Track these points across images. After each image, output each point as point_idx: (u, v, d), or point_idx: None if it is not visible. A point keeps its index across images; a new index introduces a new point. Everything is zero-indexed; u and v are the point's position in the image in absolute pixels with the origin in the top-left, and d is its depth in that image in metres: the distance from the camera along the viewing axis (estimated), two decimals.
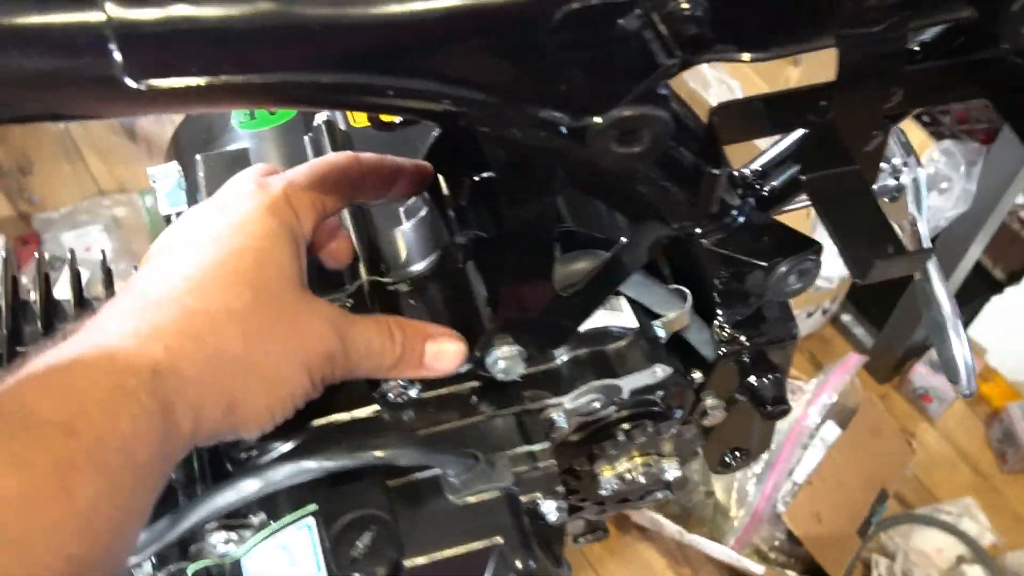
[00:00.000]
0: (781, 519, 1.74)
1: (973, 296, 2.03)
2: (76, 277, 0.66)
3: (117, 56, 0.38)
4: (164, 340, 0.44)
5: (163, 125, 2.61)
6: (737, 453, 0.78)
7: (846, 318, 2.18)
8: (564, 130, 0.45)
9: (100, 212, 2.41)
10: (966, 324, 2.08)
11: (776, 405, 0.68)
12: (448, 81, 0.43)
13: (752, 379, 0.67)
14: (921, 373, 2.08)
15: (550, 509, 0.54)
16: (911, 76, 0.49)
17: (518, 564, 0.51)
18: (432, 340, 0.54)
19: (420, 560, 0.51)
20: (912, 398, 2.11)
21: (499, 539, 0.52)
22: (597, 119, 0.43)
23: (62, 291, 0.67)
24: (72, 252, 0.70)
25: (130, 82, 0.39)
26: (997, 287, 2.09)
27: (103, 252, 0.73)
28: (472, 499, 0.53)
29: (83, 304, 0.65)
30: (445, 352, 0.54)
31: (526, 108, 0.45)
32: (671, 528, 1.73)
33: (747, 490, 1.75)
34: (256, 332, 0.48)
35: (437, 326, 0.55)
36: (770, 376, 0.67)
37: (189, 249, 0.50)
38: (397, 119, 0.59)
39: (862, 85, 0.47)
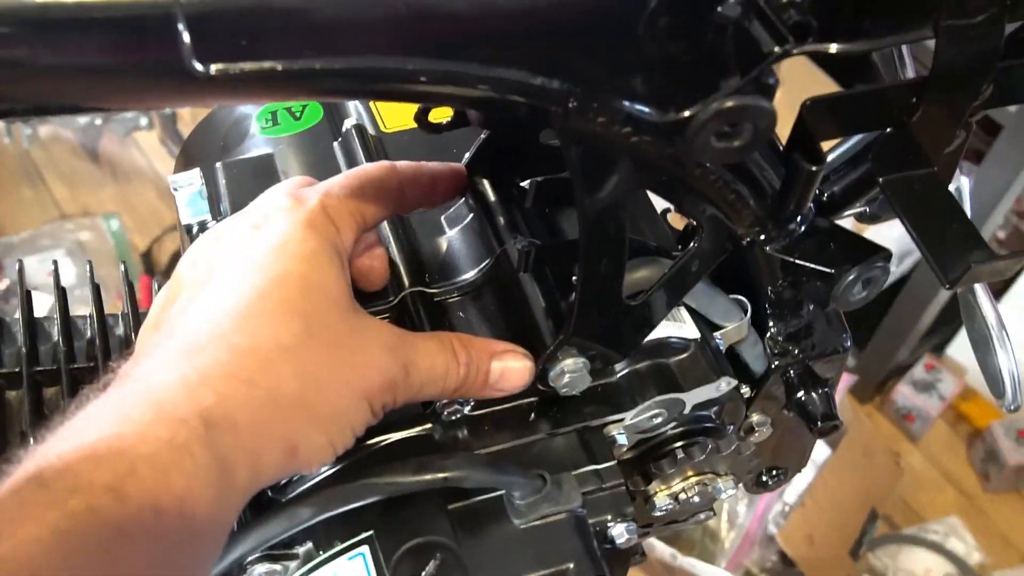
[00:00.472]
0: (772, 540, 1.72)
1: (954, 315, 2.03)
2: (27, 298, 0.62)
3: (186, 38, 0.35)
4: (214, 386, 0.41)
5: (127, 148, 2.55)
6: (774, 472, 0.75)
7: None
8: (651, 126, 0.42)
9: (63, 236, 2.35)
10: (945, 343, 2.10)
11: (826, 421, 0.65)
12: (532, 69, 0.40)
13: (801, 394, 0.65)
14: (904, 393, 2.08)
15: (619, 532, 0.51)
16: (1001, 71, 0.47)
17: None
18: (498, 358, 0.50)
19: None
20: (895, 418, 2.11)
21: (570, 565, 0.48)
22: (696, 111, 0.40)
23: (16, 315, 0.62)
24: (21, 267, 0.65)
25: (198, 67, 0.36)
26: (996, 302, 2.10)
27: (55, 264, 0.67)
28: (538, 522, 0.49)
29: (33, 325, 0.61)
30: (513, 370, 0.50)
31: (611, 101, 0.42)
32: (663, 551, 1.70)
33: (738, 511, 1.72)
34: (311, 367, 0.44)
35: (502, 343, 0.51)
36: (820, 391, 0.65)
37: (229, 278, 0.45)
38: (444, 120, 0.56)
39: (956, 80, 0.45)
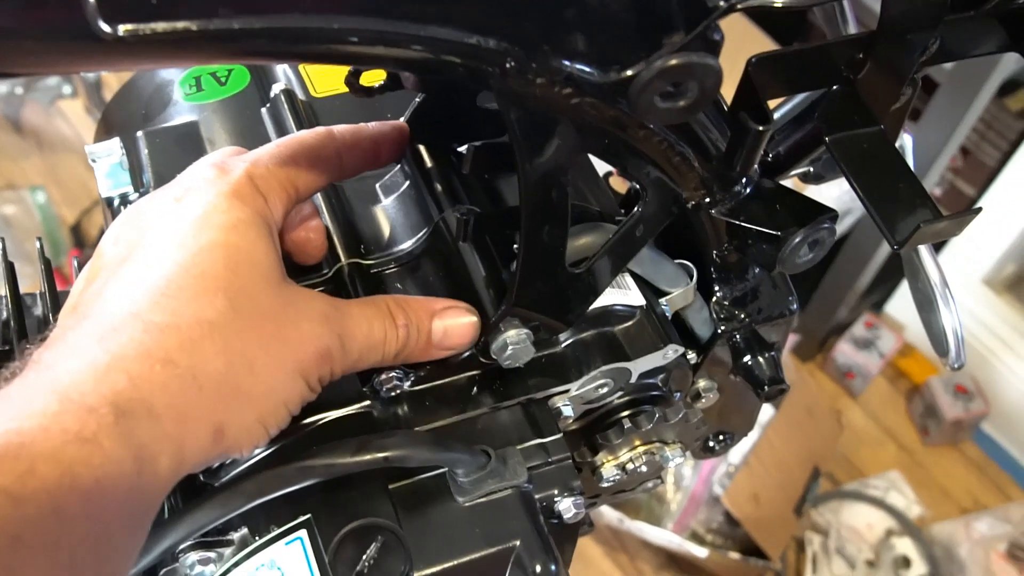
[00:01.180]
0: (718, 502, 1.73)
1: (892, 272, 2.06)
2: (11, 270, 0.58)
3: None
4: (127, 368, 0.38)
5: (52, 118, 2.47)
6: (721, 437, 0.75)
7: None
8: (594, 87, 0.41)
9: None
10: (884, 301, 2.12)
11: (773, 385, 0.64)
12: (467, 28, 0.38)
13: (748, 359, 0.64)
14: (844, 351, 2.10)
15: (567, 507, 0.50)
16: (947, 26, 0.46)
17: (538, 568, 0.47)
18: (440, 316, 0.48)
19: (431, 570, 0.45)
20: (835, 376, 2.13)
21: (516, 542, 0.47)
22: (639, 70, 0.38)
23: None
24: (3, 247, 0.61)
25: (105, 28, 0.33)
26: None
27: (2, 241, 0.64)
28: (483, 500, 0.48)
29: None
30: (456, 327, 0.48)
31: (551, 61, 0.40)
32: (610, 515, 1.71)
33: (683, 474, 1.73)
34: (237, 344, 0.41)
35: (442, 300, 0.49)
36: (766, 355, 0.64)
37: (148, 253, 0.43)
38: (376, 83, 0.53)
39: (904, 34, 0.44)
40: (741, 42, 1.90)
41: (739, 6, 0.38)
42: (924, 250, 0.68)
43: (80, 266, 0.49)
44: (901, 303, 2.12)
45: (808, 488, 1.82)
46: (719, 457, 1.73)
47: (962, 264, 2.02)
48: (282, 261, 0.46)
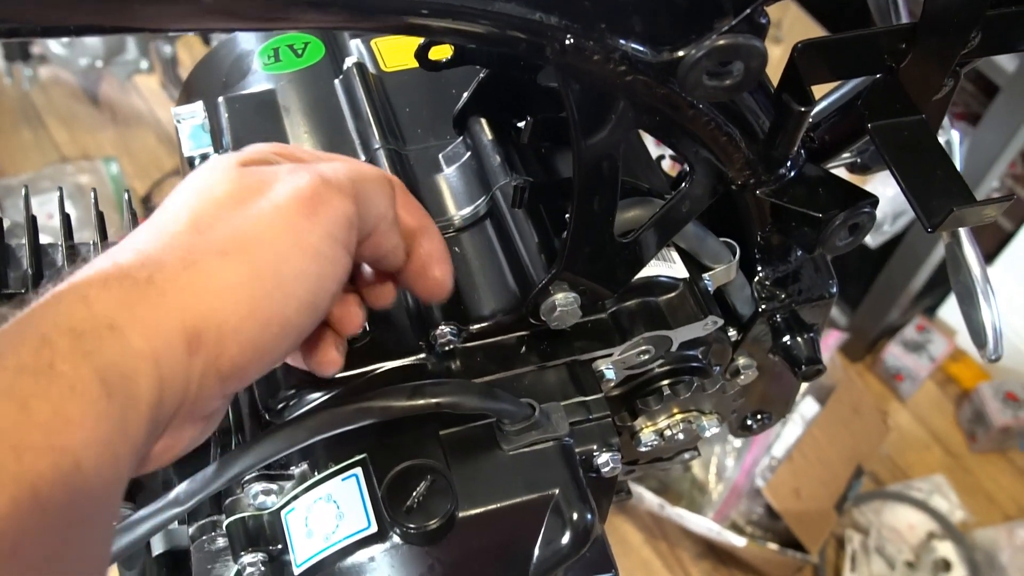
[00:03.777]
0: (759, 494, 1.75)
1: (946, 277, 2.05)
2: (33, 223, 0.62)
3: None
4: (83, 293, 0.36)
5: (127, 92, 2.55)
6: (759, 416, 0.77)
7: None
8: (646, 65, 0.44)
9: (63, 179, 2.35)
10: (937, 305, 2.11)
11: (810, 365, 0.67)
12: (531, 4, 0.41)
13: (787, 338, 0.67)
14: (894, 353, 2.10)
15: (605, 461, 0.53)
16: (990, 20, 0.48)
17: (574, 516, 0.50)
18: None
19: (475, 511, 0.49)
20: (884, 377, 2.13)
21: (555, 490, 0.50)
22: (689, 51, 0.41)
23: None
24: (26, 193, 0.65)
25: None
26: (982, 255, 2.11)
27: (60, 191, 0.67)
28: (527, 450, 0.51)
29: (38, 249, 0.61)
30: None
31: (607, 39, 0.43)
32: (652, 500, 1.73)
33: (726, 464, 1.75)
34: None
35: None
36: (805, 335, 0.67)
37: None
38: (444, 58, 0.57)
39: (946, 26, 0.46)
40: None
41: None
42: (967, 243, 0.70)
43: None
44: (954, 308, 2.11)
45: (850, 486, 1.83)
46: (762, 449, 1.75)
47: (1017, 270, 2.01)
48: None
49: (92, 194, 0.69)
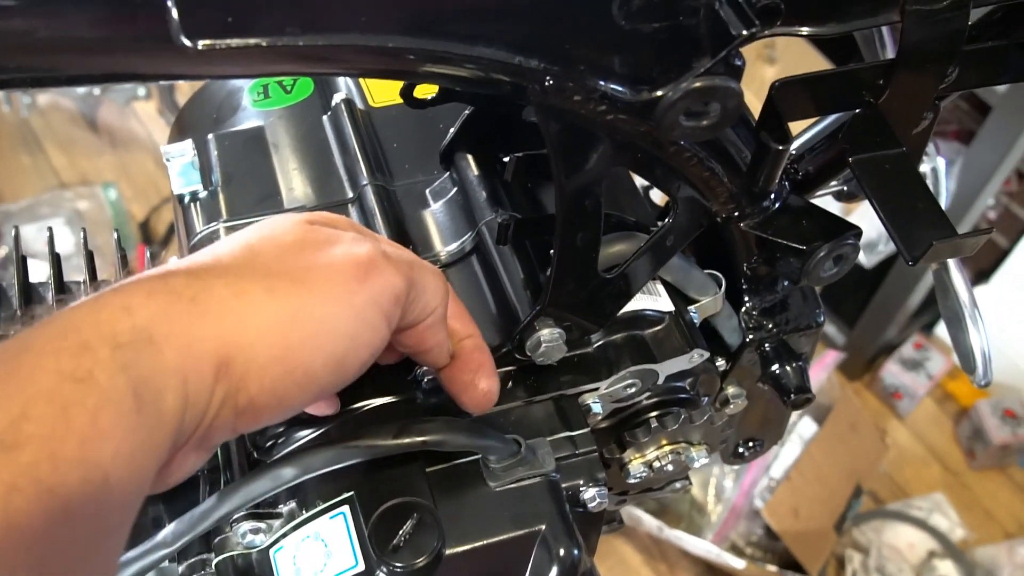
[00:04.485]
0: (758, 514, 1.74)
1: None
2: (22, 263, 0.63)
3: (174, 14, 0.36)
4: (125, 302, 0.36)
5: (126, 117, 2.56)
6: (751, 443, 0.77)
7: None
8: (626, 104, 0.44)
9: (62, 205, 2.36)
10: (934, 323, 2.12)
11: (799, 394, 0.67)
12: (511, 48, 0.42)
13: (775, 367, 0.67)
14: (892, 371, 2.10)
15: (591, 496, 0.53)
16: (967, 55, 0.48)
17: (561, 551, 0.50)
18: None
19: (462, 548, 0.49)
20: (883, 396, 2.13)
21: (542, 526, 0.50)
22: (666, 92, 0.41)
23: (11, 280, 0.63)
24: (16, 234, 0.65)
25: (186, 42, 0.37)
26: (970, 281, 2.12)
27: (50, 231, 0.67)
28: (513, 486, 0.51)
29: (28, 289, 0.62)
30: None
31: (587, 80, 0.43)
32: (650, 523, 1.73)
33: (724, 485, 1.75)
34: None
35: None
36: (794, 364, 0.67)
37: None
38: (429, 96, 0.57)
39: (923, 62, 0.47)
40: (796, 62, 1.92)
41: (761, 35, 0.42)
42: (954, 270, 0.71)
43: (152, 258, 0.52)
44: None
45: (850, 505, 1.83)
46: (760, 470, 1.75)
47: (1013, 287, 2.01)
48: None
49: (82, 233, 0.69)
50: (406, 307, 0.45)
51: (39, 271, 0.64)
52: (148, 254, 0.72)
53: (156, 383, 0.36)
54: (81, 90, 2.23)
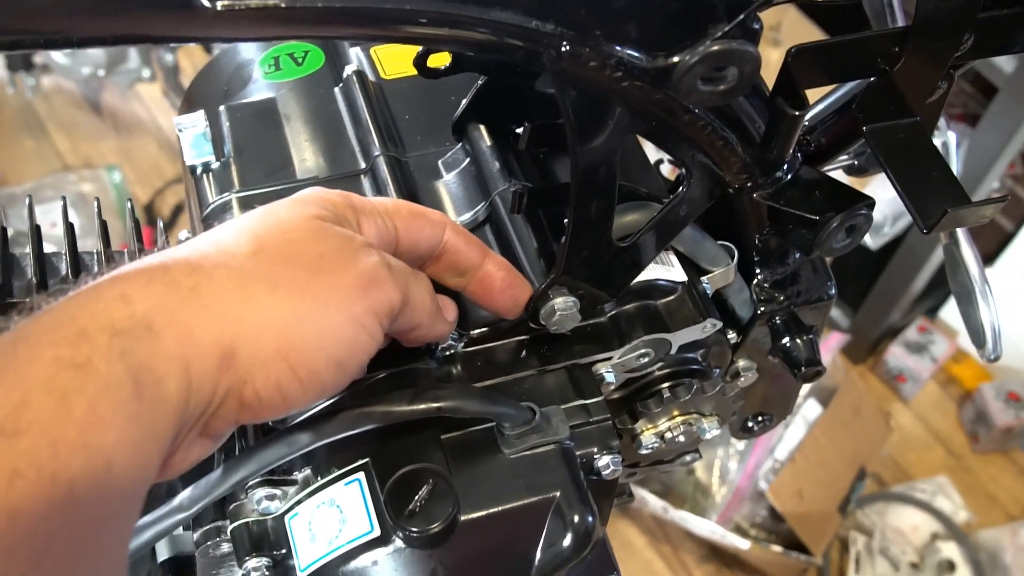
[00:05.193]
0: (762, 496, 1.75)
1: (946, 278, 2.05)
2: (36, 232, 0.63)
3: None
4: (123, 290, 0.36)
5: (129, 100, 2.56)
6: (760, 418, 0.78)
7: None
8: (641, 71, 0.44)
9: (65, 188, 2.36)
10: (938, 306, 2.11)
11: (810, 366, 0.67)
12: (527, 12, 0.42)
13: (786, 340, 0.67)
14: (896, 354, 2.10)
15: (605, 463, 0.53)
16: (982, 23, 0.48)
17: (575, 518, 0.50)
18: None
19: (477, 514, 0.49)
20: (886, 379, 2.13)
21: (556, 493, 0.50)
22: (684, 56, 0.41)
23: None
24: (30, 203, 0.66)
25: (206, 2, 0.37)
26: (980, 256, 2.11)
27: (64, 200, 0.68)
28: (527, 453, 0.51)
29: (42, 259, 0.62)
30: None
31: (603, 46, 0.43)
32: (655, 504, 1.74)
33: (729, 467, 1.75)
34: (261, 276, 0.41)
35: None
36: (804, 337, 0.67)
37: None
38: (442, 66, 0.57)
39: (938, 30, 0.47)
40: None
41: (778, 0, 0.42)
42: (965, 244, 0.71)
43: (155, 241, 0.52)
44: (955, 309, 2.10)
45: (853, 488, 1.83)
46: (764, 452, 1.75)
47: (1018, 270, 2.01)
48: None
49: (96, 203, 0.69)
50: (398, 318, 0.46)
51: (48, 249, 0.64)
52: (160, 234, 0.72)
53: (156, 370, 0.36)
54: (84, 72, 2.23)
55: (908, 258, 1.91)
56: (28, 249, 0.61)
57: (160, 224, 0.69)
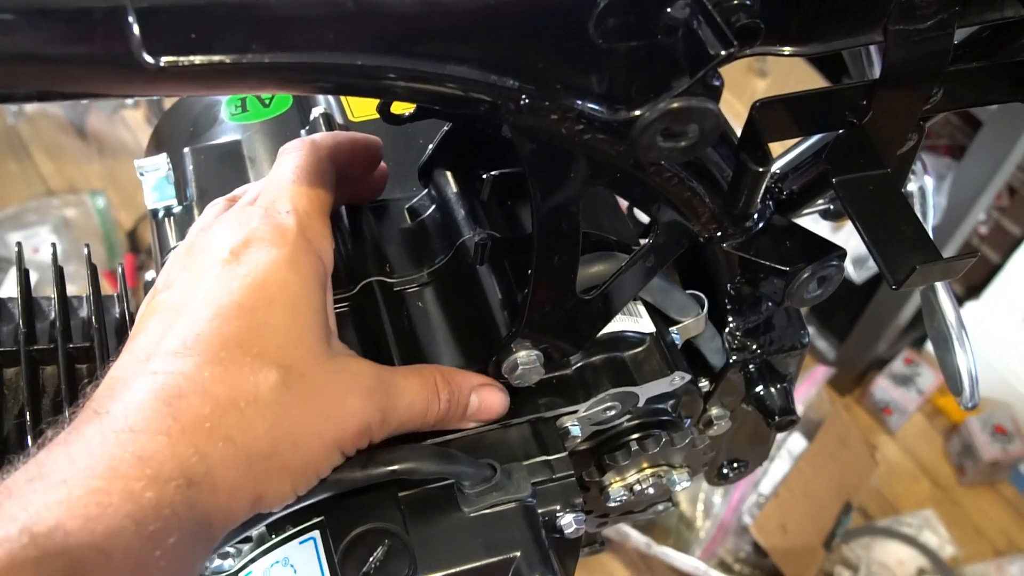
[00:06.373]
0: (746, 530, 1.73)
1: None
2: (25, 277, 0.61)
3: (135, 31, 0.35)
4: (196, 443, 0.40)
5: (114, 125, 2.55)
6: (735, 464, 0.76)
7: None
8: (603, 124, 0.43)
9: (49, 212, 2.35)
10: (925, 338, 2.11)
11: (784, 415, 0.66)
12: (484, 67, 0.41)
13: (760, 388, 0.66)
14: (882, 386, 2.09)
15: (568, 522, 0.52)
16: (951, 76, 0.47)
17: None
18: (476, 391, 0.51)
19: (434, 575, 0.48)
20: (873, 411, 2.12)
21: (516, 553, 0.49)
22: (644, 112, 0.40)
23: (8, 291, 0.62)
24: (20, 249, 0.64)
25: (148, 60, 0.36)
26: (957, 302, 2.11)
27: (53, 247, 0.67)
28: (487, 511, 0.50)
29: (30, 303, 0.60)
30: (490, 405, 0.51)
31: (563, 100, 0.42)
32: (638, 539, 1.72)
33: (713, 501, 1.74)
34: (285, 423, 0.43)
35: (480, 376, 0.52)
36: (779, 385, 0.66)
37: (205, 311, 0.44)
38: (406, 112, 0.56)
39: (906, 83, 0.46)
40: (787, 76, 1.92)
41: (740, 55, 0.41)
42: (942, 291, 0.70)
43: (140, 267, 0.51)
44: None
45: (839, 521, 1.81)
46: (749, 486, 1.74)
47: (1004, 303, 2.00)
48: (333, 321, 0.48)
49: (86, 249, 0.67)
50: (379, 430, 0.47)
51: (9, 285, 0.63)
52: (119, 268, 0.71)
53: (211, 518, 0.41)
54: None
55: (894, 291, 1.90)
56: (12, 285, 0.59)
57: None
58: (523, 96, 0.42)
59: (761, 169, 0.45)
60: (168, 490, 0.38)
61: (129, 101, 2.25)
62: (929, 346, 2.15)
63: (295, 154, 0.51)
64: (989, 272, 2.05)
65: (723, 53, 0.39)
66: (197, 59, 0.36)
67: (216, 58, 0.37)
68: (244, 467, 0.42)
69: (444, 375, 0.50)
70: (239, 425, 0.42)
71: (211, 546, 0.42)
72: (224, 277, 0.45)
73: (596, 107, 0.43)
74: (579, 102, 0.43)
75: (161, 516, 0.38)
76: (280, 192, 0.49)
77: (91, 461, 0.38)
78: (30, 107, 2.49)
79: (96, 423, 0.40)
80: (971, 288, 2.09)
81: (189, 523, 0.39)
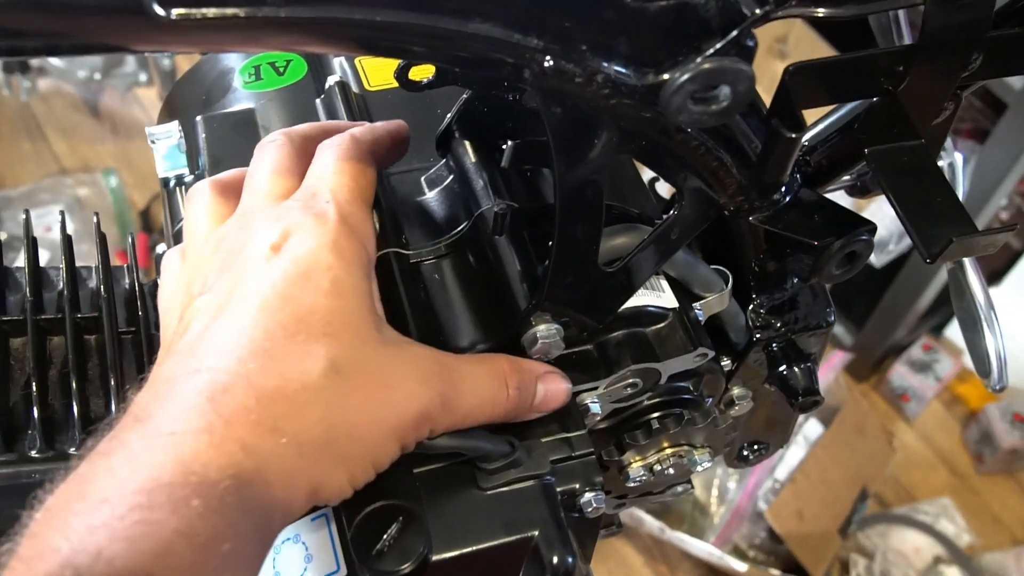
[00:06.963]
0: (762, 517, 1.72)
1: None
2: (33, 245, 0.60)
3: None
4: (241, 439, 0.38)
5: (128, 104, 2.54)
6: (756, 446, 0.75)
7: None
8: (631, 88, 0.41)
9: (62, 191, 2.34)
10: (943, 324, 2.09)
11: (807, 396, 0.65)
12: (508, 24, 0.39)
13: (783, 368, 0.64)
14: (900, 373, 2.07)
15: (588, 501, 0.50)
16: (991, 42, 0.45)
17: (555, 559, 0.47)
18: (542, 380, 0.49)
19: (449, 554, 0.46)
20: (890, 398, 2.10)
21: (534, 532, 0.48)
22: (673, 74, 0.39)
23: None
24: (27, 217, 0.63)
25: (159, 10, 0.35)
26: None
27: (62, 214, 0.66)
28: (505, 489, 0.49)
29: (38, 273, 0.59)
30: (555, 394, 0.50)
31: (589, 62, 0.41)
32: (652, 524, 1.71)
33: (728, 487, 1.73)
34: (338, 409, 0.41)
35: (543, 364, 0.50)
36: (802, 365, 0.65)
37: (248, 306, 0.42)
38: (425, 78, 0.55)
39: (945, 50, 0.44)
40: (809, 54, 1.89)
41: (775, 16, 0.39)
42: (970, 270, 0.68)
43: (153, 247, 0.50)
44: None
45: (855, 509, 1.80)
46: (765, 472, 1.72)
47: None
48: (380, 311, 0.46)
49: (95, 218, 0.66)
50: (441, 418, 0.45)
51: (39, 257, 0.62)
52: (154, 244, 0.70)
53: (269, 514, 0.40)
54: (82, 75, 2.21)
55: (913, 276, 1.88)
56: (23, 262, 0.58)
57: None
58: (547, 57, 0.40)
59: (794, 135, 0.44)
60: (216, 494, 0.37)
61: (142, 78, 2.24)
62: (948, 332, 2.13)
63: (334, 148, 0.49)
64: (1010, 258, 2.02)
65: (758, 12, 0.37)
66: (211, 12, 0.35)
67: (230, 11, 0.35)
68: (296, 457, 0.40)
69: (512, 363, 0.48)
70: (288, 414, 0.40)
71: (270, 543, 0.40)
72: (267, 272, 0.43)
73: (623, 70, 0.41)
74: (605, 64, 0.41)
75: (211, 524, 0.36)
76: (320, 184, 0.47)
77: (132, 472, 0.37)
78: (43, 86, 2.48)
79: (137, 429, 0.39)
80: (993, 274, 2.06)
81: (243, 525, 0.37)
